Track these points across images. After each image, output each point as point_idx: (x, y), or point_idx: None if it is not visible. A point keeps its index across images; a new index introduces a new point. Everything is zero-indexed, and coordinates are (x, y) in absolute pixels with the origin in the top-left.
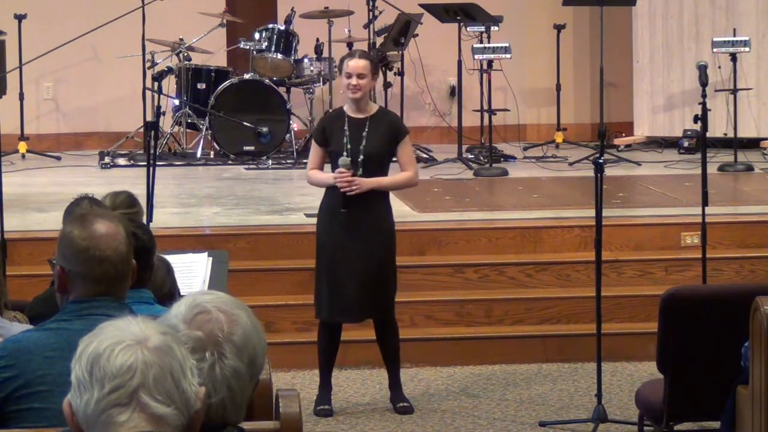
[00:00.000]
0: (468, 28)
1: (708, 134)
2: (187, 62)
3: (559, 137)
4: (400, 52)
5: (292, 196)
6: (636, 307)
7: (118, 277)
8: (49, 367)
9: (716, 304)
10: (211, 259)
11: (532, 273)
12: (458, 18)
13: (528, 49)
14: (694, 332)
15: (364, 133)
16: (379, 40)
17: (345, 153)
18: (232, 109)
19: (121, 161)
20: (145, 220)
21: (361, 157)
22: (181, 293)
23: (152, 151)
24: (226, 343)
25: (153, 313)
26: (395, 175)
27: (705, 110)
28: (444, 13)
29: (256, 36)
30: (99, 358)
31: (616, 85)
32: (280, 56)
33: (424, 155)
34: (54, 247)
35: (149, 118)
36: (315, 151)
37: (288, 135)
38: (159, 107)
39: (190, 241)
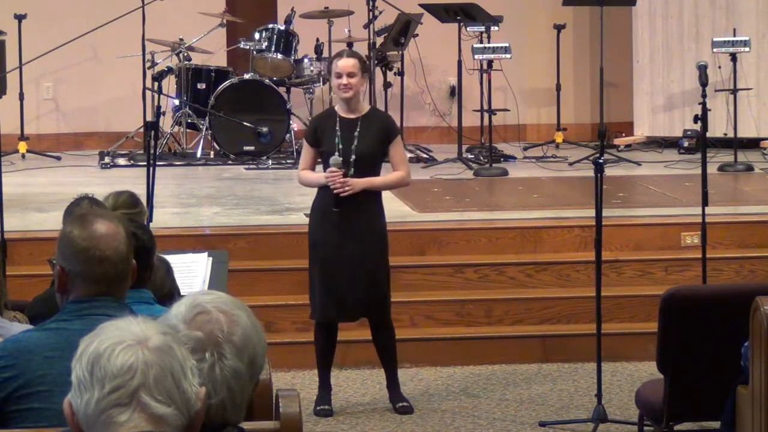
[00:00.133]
0: (468, 28)
1: (708, 134)
2: (187, 62)
3: (559, 137)
4: (400, 52)
5: (292, 196)
6: (636, 307)
7: (118, 277)
8: (49, 367)
9: (716, 304)
10: (211, 259)
11: (532, 273)
12: (458, 18)
13: (528, 49)
14: (694, 332)
15: (356, 133)
16: (379, 40)
17: (337, 153)
18: (232, 109)
19: (121, 161)
20: (145, 220)
21: (353, 157)
22: (181, 293)
23: (152, 151)
24: (226, 344)
25: (153, 314)
26: (387, 174)
27: (705, 110)
28: (444, 13)
29: (256, 36)
30: (99, 358)
31: (616, 85)
32: (280, 56)
33: (424, 155)
34: (54, 247)
35: (149, 118)
36: (306, 151)
37: (288, 135)
38: (159, 107)
39: (190, 241)
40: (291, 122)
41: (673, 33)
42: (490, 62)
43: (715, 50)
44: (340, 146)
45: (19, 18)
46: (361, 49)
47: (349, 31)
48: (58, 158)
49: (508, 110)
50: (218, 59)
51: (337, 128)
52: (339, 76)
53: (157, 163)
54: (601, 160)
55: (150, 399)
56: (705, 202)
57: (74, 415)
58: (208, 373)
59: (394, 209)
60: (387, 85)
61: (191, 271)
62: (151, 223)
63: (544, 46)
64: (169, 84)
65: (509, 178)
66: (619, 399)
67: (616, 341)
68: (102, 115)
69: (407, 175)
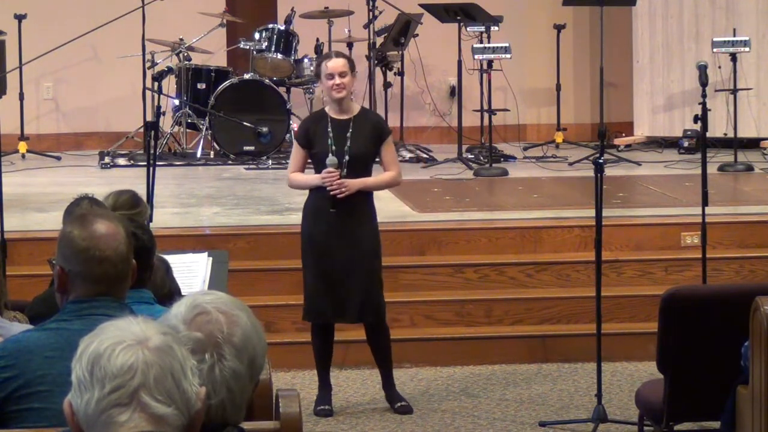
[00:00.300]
0: (468, 28)
1: (708, 134)
2: (187, 62)
3: (559, 137)
4: (400, 52)
5: (292, 196)
6: (636, 307)
7: (118, 277)
8: (49, 367)
9: (716, 304)
10: (211, 259)
11: (532, 273)
12: (458, 18)
13: (528, 49)
14: (694, 332)
15: (348, 134)
16: (379, 40)
17: (330, 154)
18: (232, 109)
19: (121, 161)
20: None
21: (346, 157)
22: (181, 293)
23: (152, 151)
24: (226, 345)
25: (153, 314)
26: (379, 175)
27: (705, 110)
28: (444, 13)
29: (256, 36)
30: (100, 358)
31: (616, 85)
32: (280, 56)
33: (424, 155)
34: (54, 247)
35: (149, 118)
36: (297, 153)
37: (288, 135)
38: (159, 107)
39: (190, 241)
40: (291, 122)
41: (673, 33)
42: (490, 62)
43: (715, 50)
44: (333, 147)
45: (19, 18)
46: (362, 49)
47: (349, 31)
48: (58, 158)
49: (508, 110)
50: (218, 59)
51: (329, 130)
52: (331, 77)
53: (157, 163)
54: (601, 160)
55: (150, 399)
56: (705, 202)
57: (74, 415)
58: (208, 373)
59: (394, 209)
60: (387, 85)
61: (191, 271)
62: (151, 223)
63: (544, 46)
64: (169, 84)
65: (509, 178)
66: (619, 399)
67: (616, 341)
68: (102, 115)
69: (398, 174)
